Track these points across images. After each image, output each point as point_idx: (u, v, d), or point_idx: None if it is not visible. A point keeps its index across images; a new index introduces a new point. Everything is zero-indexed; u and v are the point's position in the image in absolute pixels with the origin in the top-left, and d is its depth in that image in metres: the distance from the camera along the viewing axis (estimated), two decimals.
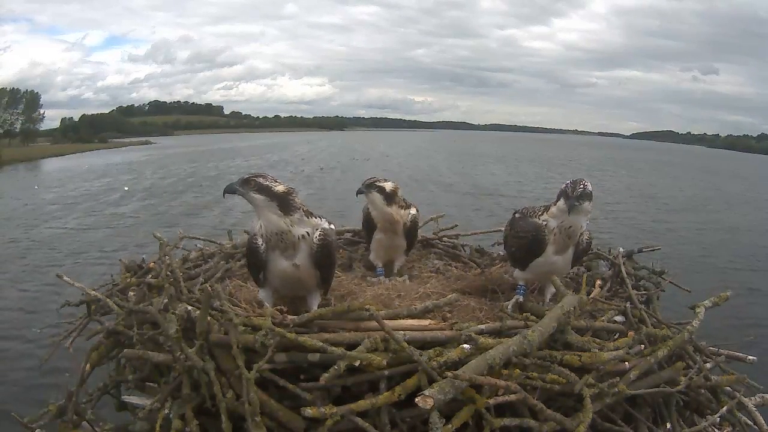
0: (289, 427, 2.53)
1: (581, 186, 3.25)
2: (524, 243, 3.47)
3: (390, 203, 4.03)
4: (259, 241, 3.11)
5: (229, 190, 3.14)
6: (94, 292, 3.42)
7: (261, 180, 3.05)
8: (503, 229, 3.96)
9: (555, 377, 2.56)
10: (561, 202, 3.33)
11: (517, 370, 2.55)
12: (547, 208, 3.44)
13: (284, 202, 3.05)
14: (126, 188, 26.78)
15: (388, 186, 4.03)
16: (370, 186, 4.04)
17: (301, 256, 3.11)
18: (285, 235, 3.07)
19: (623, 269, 3.78)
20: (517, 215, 3.63)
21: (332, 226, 3.27)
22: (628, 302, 3.40)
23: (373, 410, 2.44)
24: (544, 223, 3.39)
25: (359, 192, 4.11)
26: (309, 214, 3.14)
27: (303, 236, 3.10)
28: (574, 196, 3.24)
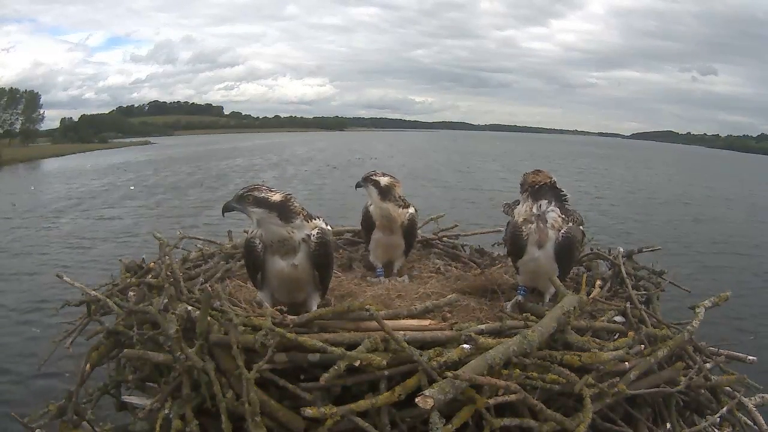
0: (289, 427, 2.53)
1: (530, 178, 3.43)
2: (508, 245, 3.56)
3: (385, 198, 4.04)
4: (257, 242, 3.12)
5: (228, 209, 3.12)
6: (94, 292, 3.42)
7: (257, 193, 3.04)
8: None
9: (555, 377, 2.57)
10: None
11: (517, 370, 2.55)
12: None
13: (284, 211, 3.06)
14: (131, 187, 26.86)
15: (384, 180, 4.05)
16: (366, 179, 4.08)
17: (299, 256, 3.13)
18: (287, 242, 3.10)
19: (623, 269, 3.78)
20: (506, 213, 3.66)
21: (329, 227, 3.29)
22: (628, 302, 3.40)
23: (373, 410, 2.44)
24: (521, 220, 3.43)
25: (358, 185, 4.15)
26: (309, 217, 3.16)
27: (303, 239, 3.12)
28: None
